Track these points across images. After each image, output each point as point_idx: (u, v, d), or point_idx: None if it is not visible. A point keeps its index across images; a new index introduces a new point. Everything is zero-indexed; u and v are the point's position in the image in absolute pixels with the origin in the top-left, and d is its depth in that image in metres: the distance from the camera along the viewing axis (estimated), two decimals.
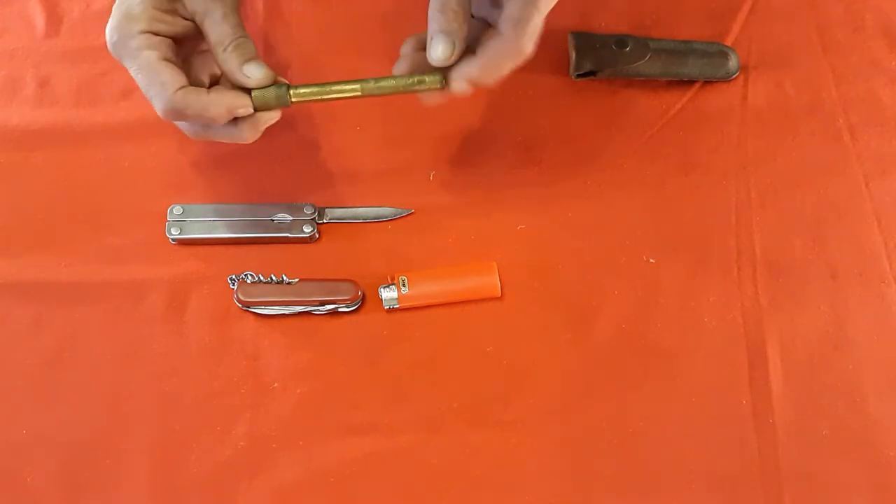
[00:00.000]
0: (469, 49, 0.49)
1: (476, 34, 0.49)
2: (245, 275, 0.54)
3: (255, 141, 0.58)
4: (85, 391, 0.52)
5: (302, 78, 0.60)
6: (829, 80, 0.62)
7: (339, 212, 0.57)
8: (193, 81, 0.49)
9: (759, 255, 0.56)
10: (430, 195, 0.58)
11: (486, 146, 0.59)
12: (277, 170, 0.58)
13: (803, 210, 0.58)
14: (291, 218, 0.56)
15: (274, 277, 0.54)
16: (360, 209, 0.57)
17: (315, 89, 0.48)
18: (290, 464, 0.50)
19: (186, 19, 0.49)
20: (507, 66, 0.47)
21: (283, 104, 0.48)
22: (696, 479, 0.50)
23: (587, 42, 0.61)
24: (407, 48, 0.51)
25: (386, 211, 0.57)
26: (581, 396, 0.52)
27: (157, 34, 0.48)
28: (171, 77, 0.47)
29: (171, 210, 0.56)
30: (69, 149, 0.59)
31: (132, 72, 0.48)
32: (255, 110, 0.48)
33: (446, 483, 0.50)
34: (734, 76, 0.62)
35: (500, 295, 0.55)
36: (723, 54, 0.62)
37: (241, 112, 0.48)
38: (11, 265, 0.55)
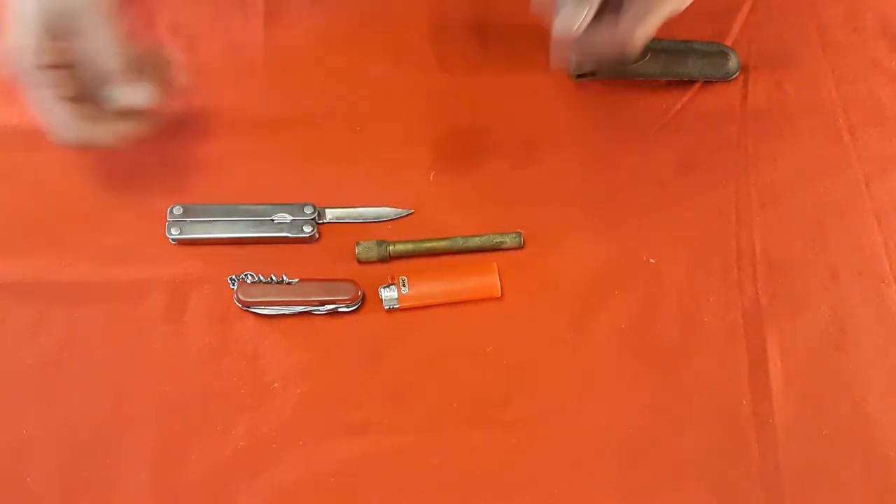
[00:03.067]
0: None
1: None
2: (245, 275, 0.54)
3: (257, 140, 0.59)
4: (85, 391, 0.52)
5: (305, 77, 0.61)
6: (829, 80, 0.62)
7: (339, 212, 0.57)
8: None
9: (759, 255, 0.56)
10: (430, 195, 0.58)
11: (486, 146, 0.59)
12: (277, 170, 0.58)
13: (803, 210, 0.58)
14: (291, 218, 0.56)
15: (274, 277, 0.54)
16: (360, 209, 0.57)
17: (410, 246, 0.55)
18: (290, 464, 0.50)
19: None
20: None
21: (382, 259, 0.55)
22: (696, 479, 0.50)
23: None
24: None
25: (386, 211, 0.57)
26: (581, 396, 0.52)
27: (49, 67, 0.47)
28: (68, 119, 0.49)
29: (171, 210, 0.56)
30: (69, 149, 0.59)
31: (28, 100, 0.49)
32: (359, 261, 0.55)
33: (446, 483, 0.50)
34: (734, 76, 0.62)
35: (500, 295, 0.55)
36: (723, 54, 0.62)
37: None
38: (11, 265, 0.55)
